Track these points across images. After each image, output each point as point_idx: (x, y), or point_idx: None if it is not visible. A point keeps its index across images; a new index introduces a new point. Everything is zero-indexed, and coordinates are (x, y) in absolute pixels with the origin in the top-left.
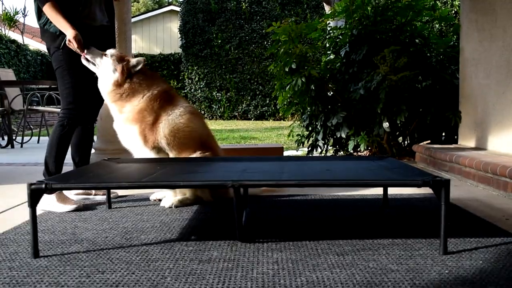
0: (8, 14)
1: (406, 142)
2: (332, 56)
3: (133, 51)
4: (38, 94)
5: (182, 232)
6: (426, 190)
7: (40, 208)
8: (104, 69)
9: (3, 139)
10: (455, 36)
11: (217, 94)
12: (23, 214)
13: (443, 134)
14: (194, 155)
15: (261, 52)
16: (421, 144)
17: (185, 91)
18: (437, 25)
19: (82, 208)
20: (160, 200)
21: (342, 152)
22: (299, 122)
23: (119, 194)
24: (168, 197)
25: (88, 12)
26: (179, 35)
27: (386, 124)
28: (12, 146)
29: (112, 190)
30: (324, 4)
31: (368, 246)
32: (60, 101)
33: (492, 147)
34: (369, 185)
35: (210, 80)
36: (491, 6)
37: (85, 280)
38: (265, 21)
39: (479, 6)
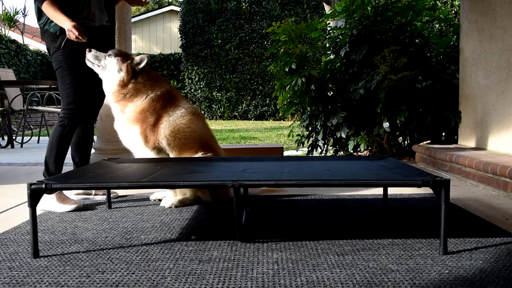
0: (8, 14)
1: (406, 142)
2: (332, 56)
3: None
4: (38, 94)
5: (182, 232)
6: (426, 190)
7: (40, 208)
8: (109, 70)
9: (3, 139)
10: (455, 36)
11: (217, 94)
12: (23, 214)
13: (443, 134)
14: (195, 156)
15: (261, 52)
16: (421, 144)
17: (185, 91)
18: (437, 25)
19: (82, 208)
20: (160, 200)
21: (342, 152)
22: (299, 122)
23: (119, 194)
24: (168, 197)
25: (87, 12)
26: (179, 35)
27: (386, 124)
28: (12, 146)
29: (112, 190)
30: (324, 4)
31: (368, 246)
32: (61, 101)
33: (492, 147)
34: (369, 185)
35: (210, 80)
36: (491, 6)
37: (85, 280)
38: (265, 21)
39: (479, 6)
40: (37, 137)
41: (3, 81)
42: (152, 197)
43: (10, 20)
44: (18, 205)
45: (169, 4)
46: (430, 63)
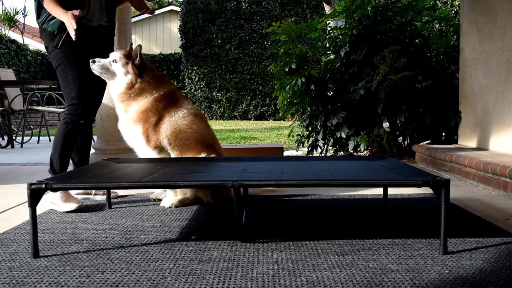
0: (8, 14)
1: (406, 142)
2: (332, 56)
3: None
4: (38, 94)
5: (182, 232)
6: (426, 190)
7: (45, 206)
8: (118, 76)
9: (3, 139)
10: (455, 36)
11: (217, 94)
12: (23, 214)
13: (443, 134)
14: (195, 156)
15: (261, 52)
16: (421, 144)
17: (185, 91)
18: (437, 25)
19: (84, 207)
20: (160, 200)
21: (342, 152)
22: (299, 122)
23: (119, 194)
24: (168, 197)
25: (87, 11)
26: (179, 35)
27: (386, 124)
28: (12, 146)
29: (112, 190)
30: (324, 4)
31: (368, 246)
32: (64, 98)
33: (492, 147)
34: (369, 185)
35: (210, 80)
36: (490, 6)
37: (85, 280)
38: (265, 21)
39: (479, 6)
40: (37, 137)
41: (3, 81)
42: (152, 197)
43: (10, 20)
44: (18, 205)
45: (169, 4)
46: (430, 63)
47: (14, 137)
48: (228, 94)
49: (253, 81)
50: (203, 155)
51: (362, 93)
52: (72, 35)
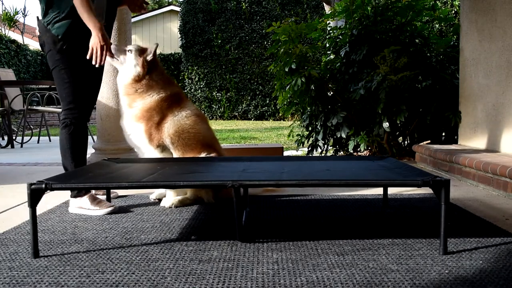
0: (8, 14)
1: (406, 142)
2: (332, 56)
3: None
4: (38, 94)
5: (182, 232)
6: (426, 190)
7: (71, 211)
8: (127, 64)
9: (3, 139)
10: (455, 36)
11: (217, 94)
12: (23, 214)
13: (443, 134)
14: (195, 156)
15: (261, 52)
16: (421, 144)
17: (185, 91)
18: (437, 25)
19: (118, 210)
20: (160, 199)
21: (342, 152)
22: (299, 122)
23: (119, 194)
24: (168, 197)
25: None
26: (179, 35)
27: (386, 124)
28: (12, 146)
29: (112, 190)
30: (324, 4)
31: (368, 246)
32: (60, 101)
33: (492, 147)
34: (369, 185)
35: (210, 80)
36: (490, 6)
37: (85, 280)
38: (265, 21)
39: (479, 6)
40: (37, 137)
41: (3, 81)
42: (152, 197)
43: (10, 20)
44: (18, 205)
45: (169, 4)
46: (430, 63)
47: (14, 137)
48: (228, 94)
49: (253, 81)
50: (204, 155)
51: (362, 93)
52: (98, 56)
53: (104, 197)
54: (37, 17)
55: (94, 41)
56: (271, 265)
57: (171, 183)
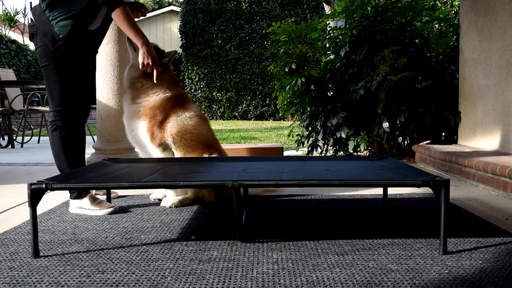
0: (8, 14)
1: (406, 142)
2: (332, 56)
3: None
4: (39, 94)
5: (182, 232)
6: (426, 190)
7: (71, 211)
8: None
9: (3, 139)
10: (454, 36)
11: (217, 94)
12: (23, 214)
13: (443, 134)
14: (195, 156)
15: (261, 52)
16: (421, 144)
17: (185, 91)
18: (437, 25)
19: (118, 210)
20: (160, 199)
21: (342, 152)
22: (299, 122)
23: (120, 194)
24: (168, 197)
25: (95, 20)
26: (179, 35)
27: (386, 124)
28: (13, 146)
29: (112, 190)
30: (324, 4)
31: (368, 246)
32: (49, 101)
33: (492, 147)
34: (369, 185)
35: (210, 80)
36: (490, 7)
37: (85, 280)
38: (265, 21)
39: (478, 7)
40: (37, 137)
41: (4, 81)
42: (152, 197)
43: (11, 20)
44: (19, 205)
45: (169, 4)
46: (430, 63)
47: (14, 137)
48: (228, 94)
49: (253, 81)
50: (206, 155)
51: (362, 93)
52: (152, 70)
53: (104, 198)
54: (31, 5)
55: (145, 56)
56: (271, 265)
57: (171, 183)
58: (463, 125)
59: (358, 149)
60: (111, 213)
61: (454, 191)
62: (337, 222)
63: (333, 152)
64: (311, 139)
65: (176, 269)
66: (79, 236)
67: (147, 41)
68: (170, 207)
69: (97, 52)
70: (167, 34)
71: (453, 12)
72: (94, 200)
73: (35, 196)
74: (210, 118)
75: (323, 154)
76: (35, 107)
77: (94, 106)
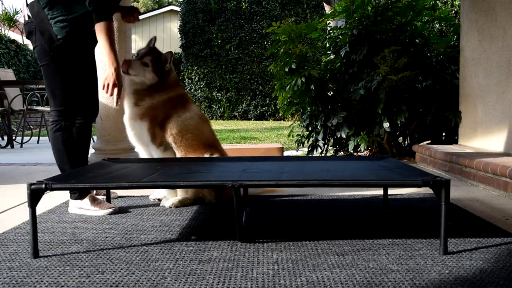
0: (8, 14)
1: (406, 142)
2: (332, 56)
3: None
4: (38, 94)
5: (182, 232)
6: (426, 190)
7: (71, 212)
8: (145, 78)
9: (2, 139)
10: (455, 36)
11: (217, 94)
12: (23, 214)
13: (443, 134)
14: (195, 156)
15: (261, 52)
16: (421, 144)
17: (185, 91)
18: (437, 25)
19: (118, 211)
20: (160, 199)
21: (342, 152)
22: (299, 122)
23: (119, 195)
24: (168, 197)
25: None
26: (179, 35)
27: (386, 124)
28: (12, 146)
29: (111, 191)
30: (324, 4)
31: (368, 246)
32: (50, 100)
33: (492, 147)
34: (369, 185)
35: (210, 80)
36: (491, 6)
37: (85, 280)
38: (265, 21)
39: (479, 6)
40: (37, 137)
41: (3, 81)
42: (151, 197)
43: (10, 20)
44: (18, 205)
45: (169, 4)
46: (430, 63)
47: (14, 137)
48: (228, 94)
49: (253, 81)
50: (207, 155)
51: (362, 93)
52: (109, 91)
53: (104, 198)
54: (27, 2)
55: (109, 77)
56: (271, 265)
57: (171, 183)
58: (464, 125)
59: (358, 149)
60: (111, 213)
61: (454, 191)
62: (337, 222)
63: (333, 152)
64: (311, 139)
65: (176, 269)
66: (79, 236)
67: (119, 64)
68: (170, 207)
69: (93, 52)
70: (167, 34)
71: (453, 11)
72: (94, 201)
73: (34, 196)
74: (210, 118)
75: (323, 154)
76: (34, 107)
77: (97, 107)
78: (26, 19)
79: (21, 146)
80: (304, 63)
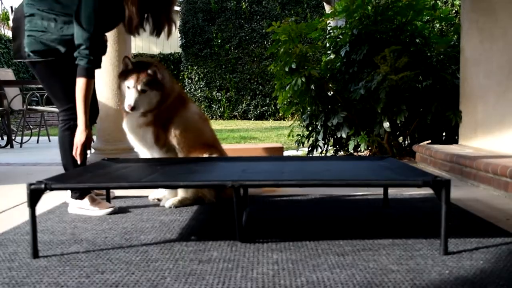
0: (7, 13)
1: (406, 142)
2: (332, 56)
3: (133, 51)
4: (38, 94)
5: (182, 232)
6: (426, 190)
7: (70, 212)
8: (153, 100)
9: (2, 139)
10: (455, 36)
11: (217, 94)
12: (23, 214)
13: (444, 134)
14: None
15: (261, 52)
16: (421, 144)
17: (185, 91)
18: (437, 25)
19: (118, 211)
20: (159, 199)
21: (342, 152)
22: (299, 122)
23: (119, 195)
24: (168, 197)
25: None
26: (178, 35)
27: (386, 124)
28: (12, 146)
29: (110, 191)
30: (324, 3)
31: (369, 247)
32: (55, 102)
33: (493, 147)
34: (370, 185)
35: (210, 80)
36: (491, 6)
37: (85, 281)
38: (265, 20)
39: (479, 6)
40: (36, 137)
41: (3, 80)
42: (150, 197)
43: (9, 20)
44: (18, 205)
45: None
46: (431, 63)
47: (13, 137)
48: (228, 94)
49: (253, 81)
50: (208, 155)
51: (362, 93)
52: (77, 153)
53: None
54: (12, 7)
55: (79, 139)
56: (271, 265)
57: (171, 183)
58: (464, 125)
59: (359, 149)
60: (111, 213)
61: (455, 191)
62: (337, 222)
63: (333, 152)
64: (311, 139)
65: (176, 269)
66: (79, 237)
67: (88, 130)
68: (169, 208)
69: None
70: None
71: (454, 11)
72: (93, 201)
73: (34, 197)
74: (210, 118)
75: (323, 154)
76: (34, 107)
77: (97, 107)
78: (15, 10)
79: (21, 146)
80: (304, 62)
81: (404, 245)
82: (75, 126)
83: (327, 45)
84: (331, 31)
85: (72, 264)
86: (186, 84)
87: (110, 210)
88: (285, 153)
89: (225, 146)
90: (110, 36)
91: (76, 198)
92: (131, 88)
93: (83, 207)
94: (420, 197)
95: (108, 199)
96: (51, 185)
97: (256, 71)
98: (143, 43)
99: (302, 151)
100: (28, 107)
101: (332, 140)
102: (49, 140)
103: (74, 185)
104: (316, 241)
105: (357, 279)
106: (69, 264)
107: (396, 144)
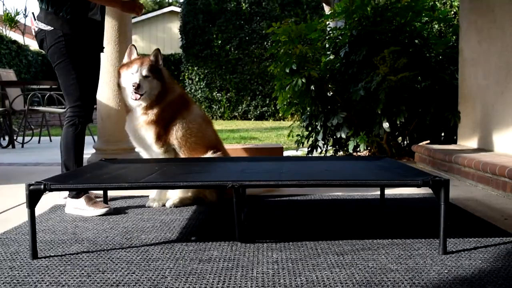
0: (9, 14)
1: (405, 142)
2: (331, 57)
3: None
4: (39, 95)
5: (182, 232)
6: (425, 190)
7: (67, 212)
8: (155, 87)
9: (4, 139)
10: (454, 37)
11: (217, 94)
12: (24, 214)
13: (442, 134)
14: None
15: (261, 53)
16: (420, 144)
17: (186, 91)
18: (436, 26)
19: (113, 211)
20: (163, 205)
21: (341, 152)
22: (299, 122)
23: (117, 195)
24: (155, 198)
25: (96, 8)
26: (179, 36)
27: (385, 125)
28: (13, 146)
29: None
30: (324, 4)
31: (368, 246)
32: (66, 99)
33: (491, 147)
34: (369, 185)
35: (210, 81)
36: (490, 7)
37: (86, 280)
38: (265, 21)
39: (478, 7)
40: (38, 137)
41: (4, 81)
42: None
43: (11, 21)
44: (19, 205)
45: (170, 4)
46: (430, 64)
47: (15, 137)
48: (228, 94)
49: (253, 81)
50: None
51: (361, 93)
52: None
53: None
54: (34, 13)
55: (132, 5)
56: (271, 265)
57: (171, 184)
58: (463, 125)
59: (358, 149)
60: (106, 213)
61: (453, 191)
62: (336, 222)
63: (333, 152)
64: (311, 139)
65: (176, 268)
66: (80, 236)
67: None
68: (170, 207)
69: (103, 48)
70: (167, 34)
71: (452, 12)
72: (89, 200)
73: (33, 197)
74: (210, 118)
75: (322, 154)
76: (35, 107)
77: (95, 106)
78: (36, 30)
79: (22, 146)
80: (304, 63)
81: (403, 244)
82: (80, 123)
83: (327, 46)
84: (330, 32)
85: (73, 264)
86: (187, 84)
87: (105, 210)
88: (285, 153)
89: (225, 146)
90: (110, 36)
91: (72, 197)
92: (134, 74)
93: (79, 207)
94: (419, 197)
95: (106, 199)
96: (50, 186)
97: (256, 71)
98: (144, 44)
99: (302, 151)
100: (30, 107)
101: (331, 140)
102: (51, 140)
103: (73, 185)
104: (315, 240)
105: (356, 278)
106: (70, 264)
107: (395, 144)
